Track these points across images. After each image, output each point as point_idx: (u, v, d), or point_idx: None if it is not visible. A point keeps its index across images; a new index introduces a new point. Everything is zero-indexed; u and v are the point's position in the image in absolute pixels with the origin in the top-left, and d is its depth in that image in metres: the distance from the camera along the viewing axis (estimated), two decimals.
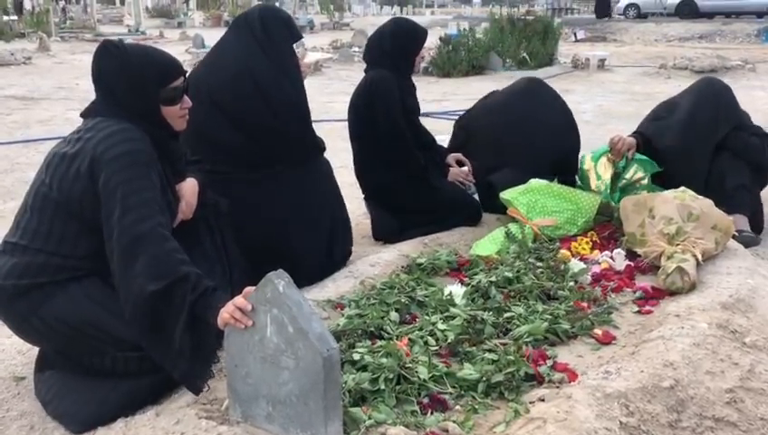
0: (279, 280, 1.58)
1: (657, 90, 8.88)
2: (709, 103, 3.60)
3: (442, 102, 8.12)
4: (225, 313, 1.65)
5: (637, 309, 2.50)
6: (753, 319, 2.36)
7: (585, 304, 2.49)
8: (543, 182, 3.41)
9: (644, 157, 3.41)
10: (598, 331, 2.31)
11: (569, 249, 3.09)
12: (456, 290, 2.49)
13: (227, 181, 2.56)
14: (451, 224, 3.31)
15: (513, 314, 2.35)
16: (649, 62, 12.27)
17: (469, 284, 2.65)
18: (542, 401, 1.86)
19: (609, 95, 8.45)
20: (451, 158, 3.53)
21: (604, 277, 2.79)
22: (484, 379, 1.92)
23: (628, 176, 3.40)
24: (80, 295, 1.95)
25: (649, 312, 2.48)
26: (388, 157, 3.25)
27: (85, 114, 2.03)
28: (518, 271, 2.69)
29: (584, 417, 1.72)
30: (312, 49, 13.07)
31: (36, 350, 2.16)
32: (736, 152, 3.45)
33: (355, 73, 10.41)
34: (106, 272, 1.92)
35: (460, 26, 10.71)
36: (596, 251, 3.07)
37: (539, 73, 10.28)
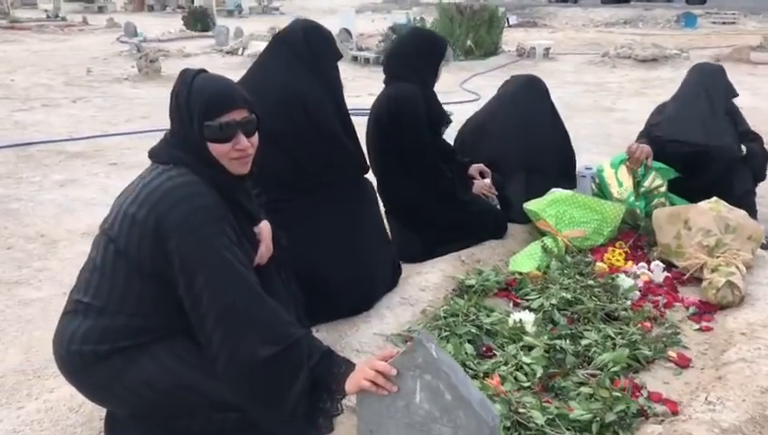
0: (430, 343, 1.48)
1: (608, 79, 9.13)
2: (714, 88, 3.66)
3: None
4: (366, 379, 1.54)
5: (697, 327, 2.54)
6: None
7: (648, 324, 2.51)
8: (567, 192, 3.42)
9: (661, 164, 3.46)
10: (672, 353, 2.33)
11: (601, 260, 3.11)
12: (525, 317, 2.45)
13: (275, 210, 2.41)
14: (479, 238, 3.26)
15: (589, 340, 2.34)
16: (588, 49, 12.59)
17: (527, 307, 2.62)
18: None
19: (565, 87, 8.59)
20: (474, 169, 3.48)
21: (650, 292, 2.82)
22: (597, 419, 1.89)
23: (647, 184, 3.44)
24: (168, 358, 1.78)
25: (710, 329, 2.52)
26: (416, 173, 3.16)
27: (152, 155, 1.83)
28: (575, 291, 2.67)
29: None
30: (250, 36, 12.67)
31: (90, 404, 1.98)
32: (743, 159, 3.54)
33: None
34: (191, 330, 1.77)
35: (410, 16, 10.62)
36: (630, 262, 3.10)
37: (488, 63, 10.38)
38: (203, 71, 1.85)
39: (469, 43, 10.42)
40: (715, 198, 3.04)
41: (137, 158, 5.00)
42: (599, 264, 3.04)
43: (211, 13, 14.39)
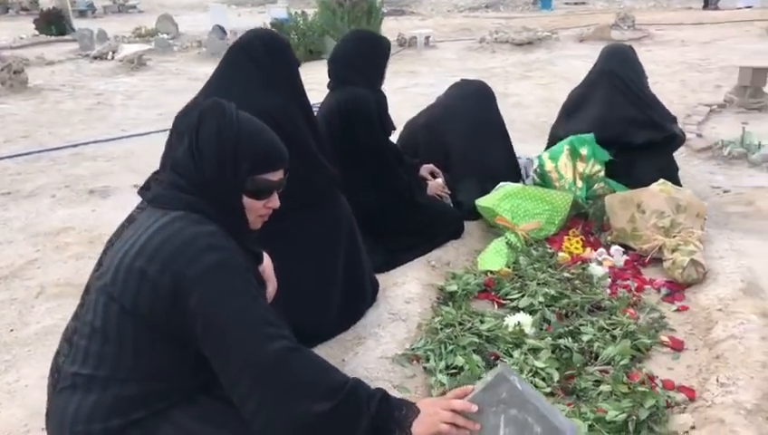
0: (513, 376, 1.41)
1: (491, 65, 9.40)
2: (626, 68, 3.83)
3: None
4: (444, 422, 1.44)
5: (674, 308, 2.65)
6: None
7: (633, 311, 2.58)
8: (517, 185, 3.46)
9: (598, 146, 3.57)
10: (664, 337, 2.41)
11: (560, 249, 3.18)
12: (523, 319, 2.44)
13: None
14: (439, 241, 3.22)
15: (589, 335, 2.37)
16: (460, 35, 12.91)
17: (514, 307, 2.62)
18: (694, 428, 1.91)
19: (456, 74, 8.74)
20: (425, 170, 3.43)
21: (617, 277, 2.91)
22: (632, 417, 1.91)
23: (587, 170, 3.55)
24: (192, 422, 1.58)
25: (686, 308, 2.64)
26: (373, 179, 3.06)
27: (156, 201, 1.60)
28: (555, 286, 2.70)
29: None
30: (115, 38, 11.84)
31: None
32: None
33: (185, 66, 9.68)
34: (210, 386, 1.59)
35: (290, 9, 10.36)
36: (588, 249, 3.19)
37: None
38: (238, 111, 1.65)
39: None
40: (662, 180, 3.19)
41: (34, 184, 4.50)
42: (560, 253, 3.10)
43: (67, 15, 13.28)
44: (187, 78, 8.66)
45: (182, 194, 1.58)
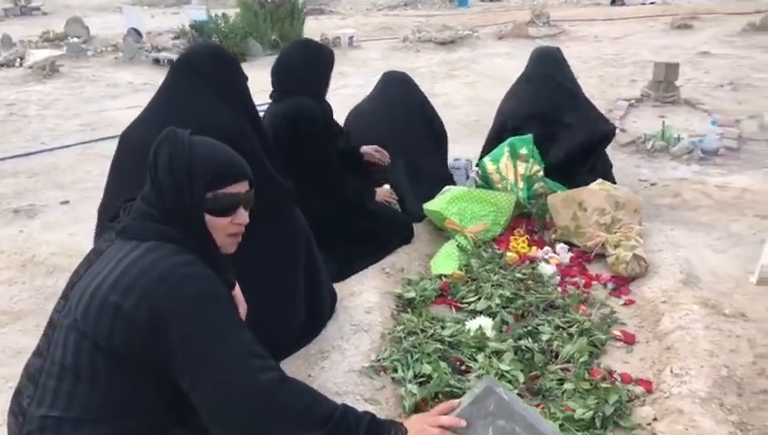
0: (499, 388, 1.44)
1: (417, 64, 9.48)
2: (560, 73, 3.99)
3: None
4: None
5: (622, 302, 2.77)
6: (709, 288, 2.79)
7: (584, 307, 2.68)
8: (462, 188, 3.52)
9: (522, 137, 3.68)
10: (616, 332, 2.52)
11: (507, 249, 3.26)
12: (484, 323, 2.48)
13: None
14: (391, 247, 3.23)
15: (547, 334, 2.44)
16: (382, 33, 12.96)
17: (472, 310, 2.67)
18: (656, 419, 2.00)
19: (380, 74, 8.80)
20: (369, 149, 3.41)
21: (565, 274, 3.02)
22: (598, 414, 1.98)
23: (528, 171, 3.65)
24: None
25: (632, 302, 2.77)
26: (322, 188, 3.04)
27: (125, 233, 1.54)
28: (510, 287, 2.77)
29: (710, 428, 1.90)
30: (22, 43, 11.21)
31: None
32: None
33: (101, 72, 9.25)
34: (186, 419, 1.55)
35: (210, 11, 10.09)
36: (534, 248, 3.28)
37: None
38: (190, 134, 1.62)
39: (274, 36, 10.21)
40: (600, 180, 3.32)
41: None
42: (509, 254, 3.18)
43: None
44: (105, 84, 8.31)
45: (153, 224, 1.54)
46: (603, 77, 8.36)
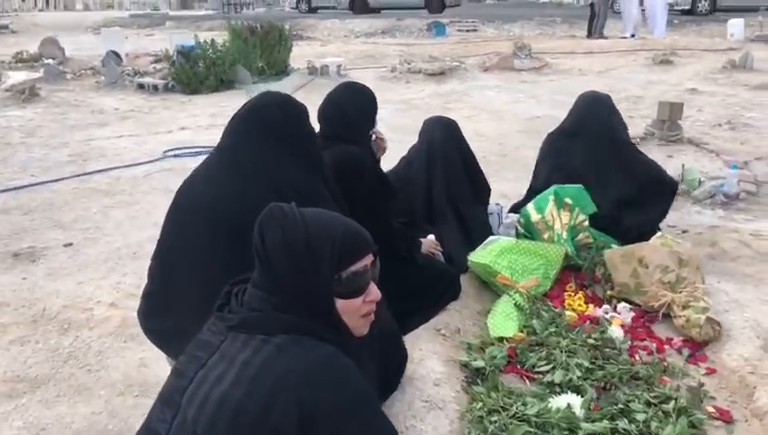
0: None
1: (410, 96, 9.37)
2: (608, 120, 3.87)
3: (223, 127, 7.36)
4: None
5: (704, 372, 2.59)
6: None
7: (667, 378, 2.50)
8: (510, 239, 3.34)
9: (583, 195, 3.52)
10: (710, 408, 2.34)
11: (562, 306, 3.09)
12: (572, 401, 2.28)
13: None
14: (440, 303, 3.02)
15: (639, 412, 2.25)
16: (367, 62, 12.84)
17: (549, 381, 2.46)
18: None
19: (383, 109, 8.63)
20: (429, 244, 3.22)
21: (633, 337, 2.84)
22: None
23: (572, 221, 3.49)
24: None
25: (713, 371, 2.60)
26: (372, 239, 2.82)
27: (247, 325, 1.31)
28: (586, 355, 2.58)
29: None
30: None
31: None
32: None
33: (83, 97, 8.88)
34: None
35: (198, 37, 9.81)
36: (590, 306, 3.10)
37: (285, 84, 10.02)
38: (294, 206, 1.40)
39: (261, 63, 9.99)
40: (659, 233, 3.17)
41: None
42: (567, 313, 3.00)
43: None
44: (89, 110, 7.97)
45: (277, 314, 1.32)
46: None
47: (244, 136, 2.11)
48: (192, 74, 8.92)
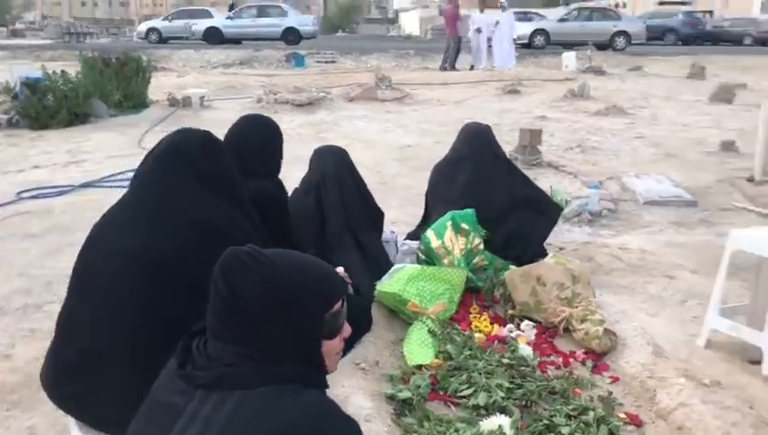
0: None
1: (282, 127, 9.28)
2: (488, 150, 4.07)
3: (82, 164, 6.88)
4: None
5: (609, 381, 2.77)
6: (674, 356, 2.90)
7: (579, 391, 2.64)
8: (416, 266, 3.39)
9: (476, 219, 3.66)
10: (622, 414, 2.50)
11: (469, 328, 3.18)
12: (502, 422, 2.33)
13: None
14: (357, 336, 2.99)
15: (563, 426, 2.36)
16: (228, 93, 12.60)
17: (474, 405, 2.51)
18: None
19: None
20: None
21: (541, 353, 2.98)
22: None
23: (469, 245, 3.61)
24: None
25: (617, 379, 2.78)
26: None
27: (222, 382, 1.23)
28: (503, 375, 2.66)
29: None
30: None
31: None
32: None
33: None
34: None
35: (46, 68, 9.09)
36: (494, 325, 3.22)
37: (147, 116, 9.59)
38: (255, 249, 1.34)
39: (118, 95, 9.49)
40: (552, 253, 3.36)
41: None
42: (476, 335, 3.09)
43: None
44: None
45: (258, 365, 1.25)
46: None
47: (164, 175, 1.99)
48: (41, 108, 8.27)
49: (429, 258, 3.60)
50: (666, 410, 2.49)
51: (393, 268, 3.38)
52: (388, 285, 3.23)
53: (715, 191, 6.24)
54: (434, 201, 4.08)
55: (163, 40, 25.07)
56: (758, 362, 2.87)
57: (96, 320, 1.88)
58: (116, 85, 9.16)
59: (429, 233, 3.63)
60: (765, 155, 6.40)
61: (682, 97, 13.01)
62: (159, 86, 12.06)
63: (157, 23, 27.52)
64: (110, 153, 7.32)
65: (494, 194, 3.78)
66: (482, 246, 3.65)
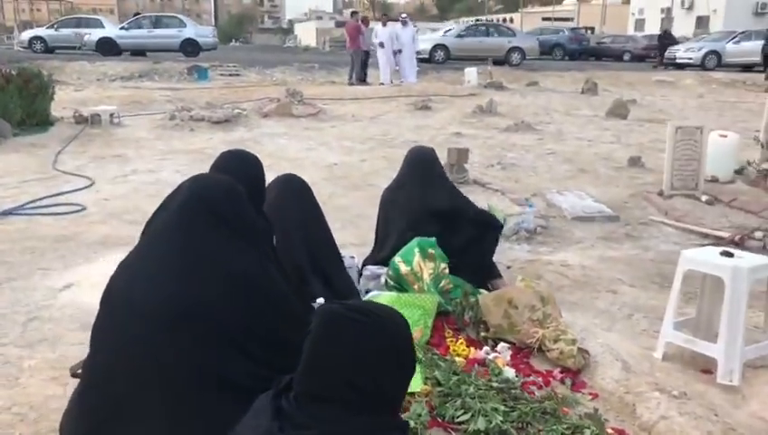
0: None
1: (200, 145, 9.07)
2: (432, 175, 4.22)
3: None
4: None
5: (589, 398, 2.94)
6: (639, 370, 3.12)
7: (566, 409, 2.79)
8: (392, 294, 3.46)
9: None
10: (610, 430, 2.67)
11: (447, 353, 3.27)
12: None
13: None
14: None
15: None
16: (135, 108, 12.13)
17: (474, 430, 2.60)
18: None
19: (167, 157, 8.20)
20: None
21: (522, 374, 3.11)
22: None
23: (437, 270, 3.71)
24: None
25: (596, 395, 2.96)
26: None
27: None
28: (495, 399, 2.77)
29: None
30: None
31: None
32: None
33: None
34: None
35: None
36: (471, 348, 3.33)
37: (54, 135, 9.07)
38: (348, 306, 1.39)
39: (20, 113, 8.92)
40: (520, 277, 3.52)
41: None
42: (457, 359, 3.19)
43: None
44: None
45: (370, 418, 1.28)
46: (388, 158, 8.88)
47: (190, 223, 1.94)
48: None
49: (399, 284, 3.67)
50: (648, 423, 2.69)
51: (371, 295, 3.43)
52: None
53: (631, 205, 6.71)
54: (386, 226, 4.15)
55: (49, 50, 23.73)
56: (709, 372, 3.15)
57: (126, 372, 1.82)
58: (18, 103, 8.60)
59: (397, 259, 3.70)
60: (672, 171, 6.96)
61: (580, 112, 13.84)
62: (59, 101, 11.42)
63: (41, 31, 26.00)
64: (24, 177, 6.88)
65: (440, 213, 3.93)
66: (447, 271, 3.77)
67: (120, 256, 4.55)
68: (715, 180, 7.40)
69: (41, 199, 6.07)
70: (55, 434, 2.67)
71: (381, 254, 4.06)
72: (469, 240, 3.99)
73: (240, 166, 2.80)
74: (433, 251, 3.70)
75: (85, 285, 4.13)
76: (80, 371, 2.23)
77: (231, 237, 1.97)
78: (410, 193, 4.13)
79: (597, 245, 5.50)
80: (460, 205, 4.11)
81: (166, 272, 1.87)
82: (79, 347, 3.34)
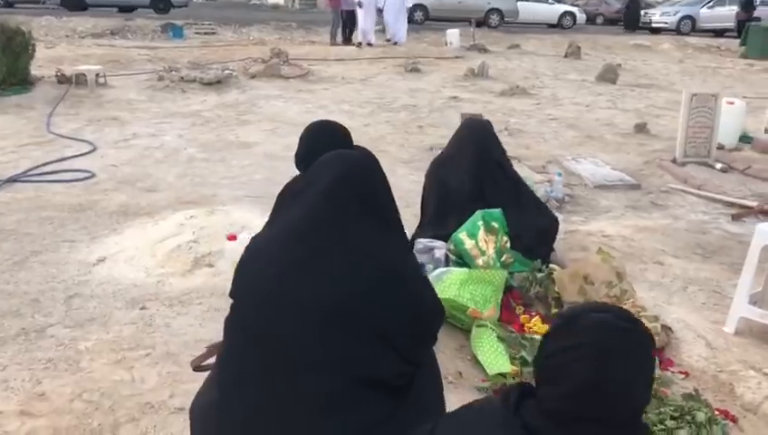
0: None
1: (195, 107, 8.72)
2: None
3: None
4: None
5: (681, 377, 2.88)
6: (720, 347, 3.08)
7: (664, 389, 2.73)
8: (463, 270, 3.32)
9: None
10: (716, 411, 2.61)
11: (522, 330, 3.18)
12: None
13: None
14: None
15: (674, 428, 2.42)
16: (116, 68, 11.56)
17: None
18: None
19: (165, 120, 7.83)
20: None
21: None
22: None
23: (499, 244, 3.59)
24: None
25: (686, 373, 2.90)
26: None
27: None
28: None
29: None
30: None
31: None
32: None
33: None
34: None
35: None
36: (545, 326, 3.24)
37: (39, 96, 8.57)
38: None
39: (4, 74, 8.41)
40: (599, 248, 3.42)
41: None
42: (536, 337, 3.09)
43: None
44: None
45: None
46: (391, 122, 8.67)
47: (335, 211, 1.74)
48: None
49: (462, 259, 3.54)
50: (753, 404, 2.64)
51: (436, 273, 3.29)
52: (440, 290, 3.14)
53: (647, 173, 6.68)
54: (432, 203, 3.97)
55: (8, 4, 22.52)
56: None
57: (282, 368, 1.67)
58: (3, 61, 8.10)
59: (461, 234, 3.56)
60: (686, 139, 6.94)
61: (569, 77, 13.74)
62: (44, 61, 10.88)
63: None
64: (20, 141, 6.49)
65: (498, 199, 3.78)
66: (509, 244, 3.65)
67: (143, 226, 4.34)
68: (721, 147, 7.40)
69: (45, 165, 5.72)
70: (134, 424, 2.52)
71: (442, 232, 3.84)
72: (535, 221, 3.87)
73: (333, 135, 2.60)
74: (497, 224, 3.57)
75: (120, 259, 3.91)
76: (204, 364, 2.06)
77: (379, 227, 1.79)
78: (462, 170, 3.94)
79: (627, 214, 5.45)
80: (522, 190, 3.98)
81: (319, 265, 1.69)
82: (133, 327, 3.15)
